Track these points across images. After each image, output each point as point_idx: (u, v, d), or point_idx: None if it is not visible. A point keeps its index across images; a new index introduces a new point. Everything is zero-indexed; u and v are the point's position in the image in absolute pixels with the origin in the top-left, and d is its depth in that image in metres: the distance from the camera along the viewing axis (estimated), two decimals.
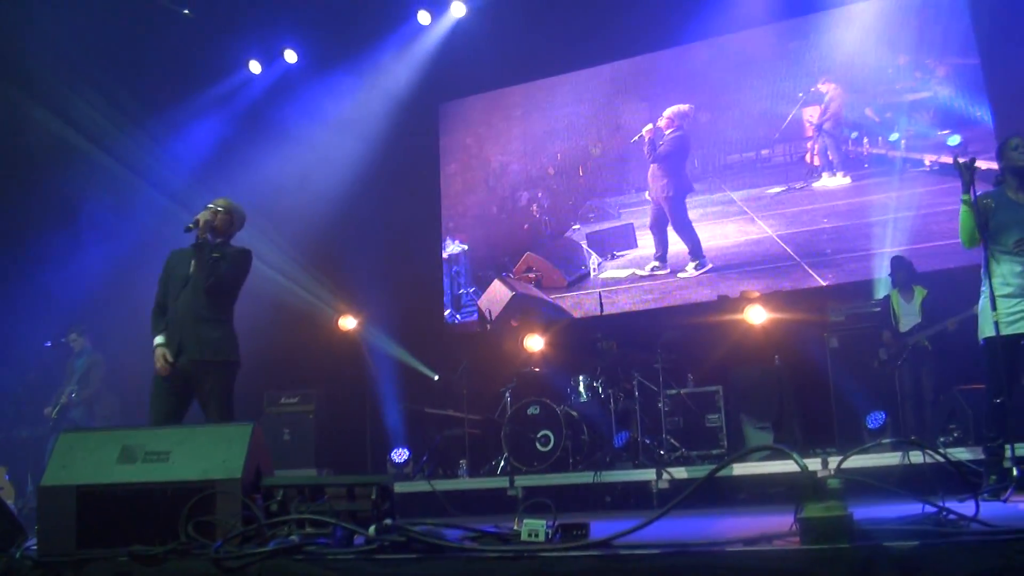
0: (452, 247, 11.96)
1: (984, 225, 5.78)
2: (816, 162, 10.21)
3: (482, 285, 11.60)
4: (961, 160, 5.79)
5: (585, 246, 11.21)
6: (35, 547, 3.86)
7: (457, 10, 11.18)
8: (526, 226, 11.62)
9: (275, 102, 11.94)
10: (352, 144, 11.34)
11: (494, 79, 11.75)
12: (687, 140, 10.96)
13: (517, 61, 11.33)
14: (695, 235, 10.55)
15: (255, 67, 11.89)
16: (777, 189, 10.33)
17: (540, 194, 11.61)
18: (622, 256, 10.95)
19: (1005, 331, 5.65)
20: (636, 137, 11.01)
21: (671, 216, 10.79)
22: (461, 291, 11.73)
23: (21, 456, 10.36)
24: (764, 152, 10.53)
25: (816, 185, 10.11)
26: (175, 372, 5.91)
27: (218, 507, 3.64)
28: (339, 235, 11.25)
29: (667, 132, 11.01)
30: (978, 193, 5.80)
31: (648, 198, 10.99)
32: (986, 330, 5.78)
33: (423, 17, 11.29)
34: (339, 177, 11.11)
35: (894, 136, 9.70)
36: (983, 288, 5.83)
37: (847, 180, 9.96)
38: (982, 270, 5.84)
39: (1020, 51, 8.82)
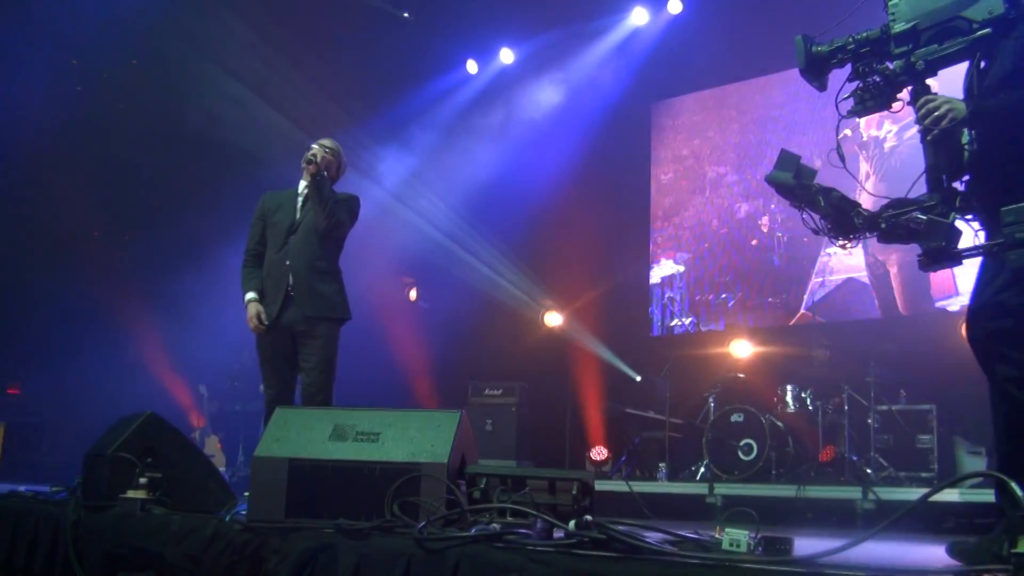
0: (665, 267, 11.44)
1: None
2: None
3: (700, 314, 11.04)
4: None
5: None
6: (244, 512, 4.05)
7: (674, 7, 11.05)
8: (754, 241, 10.89)
9: (488, 101, 12.14)
10: (562, 143, 11.39)
11: (707, 78, 11.49)
12: None
13: (731, 58, 11.02)
14: None
15: (472, 67, 12.10)
16: None
17: (773, 205, 10.65)
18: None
19: None
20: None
21: None
22: (675, 322, 11.26)
23: (234, 428, 10.95)
24: None
25: None
26: (279, 330, 5.67)
27: (423, 489, 3.72)
28: (548, 233, 11.32)
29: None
30: None
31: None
32: None
33: (638, 15, 11.24)
34: (549, 175, 11.18)
35: None
36: None
37: None
38: None
39: None
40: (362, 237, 6.39)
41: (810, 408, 8.71)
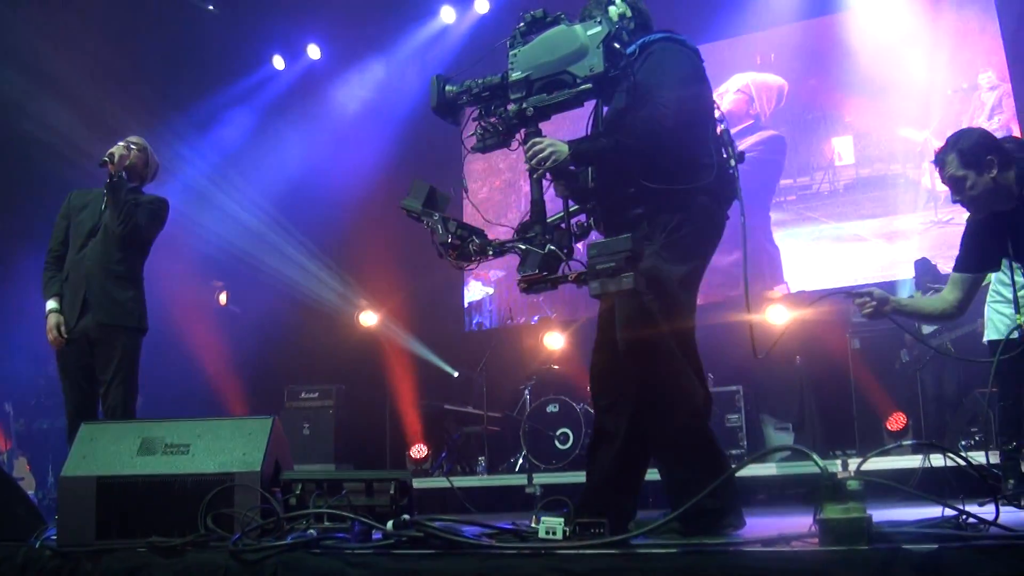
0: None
1: None
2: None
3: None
4: None
5: None
6: (55, 537, 3.88)
7: (481, 7, 11.11)
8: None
9: (297, 98, 11.94)
10: (373, 141, 11.32)
11: None
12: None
13: None
14: None
15: (279, 62, 11.90)
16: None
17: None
18: None
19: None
20: None
21: None
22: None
23: (41, 447, 10.44)
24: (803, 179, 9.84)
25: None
26: (77, 338, 5.45)
27: (237, 500, 3.65)
28: (360, 232, 11.20)
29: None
30: None
31: None
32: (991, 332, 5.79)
33: (446, 13, 11.24)
34: (361, 174, 11.08)
35: None
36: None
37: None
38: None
39: None
40: (167, 240, 6.18)
41: None
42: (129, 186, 5.59)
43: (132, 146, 5.64)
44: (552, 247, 3.58)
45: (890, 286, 9.05)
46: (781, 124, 10.03)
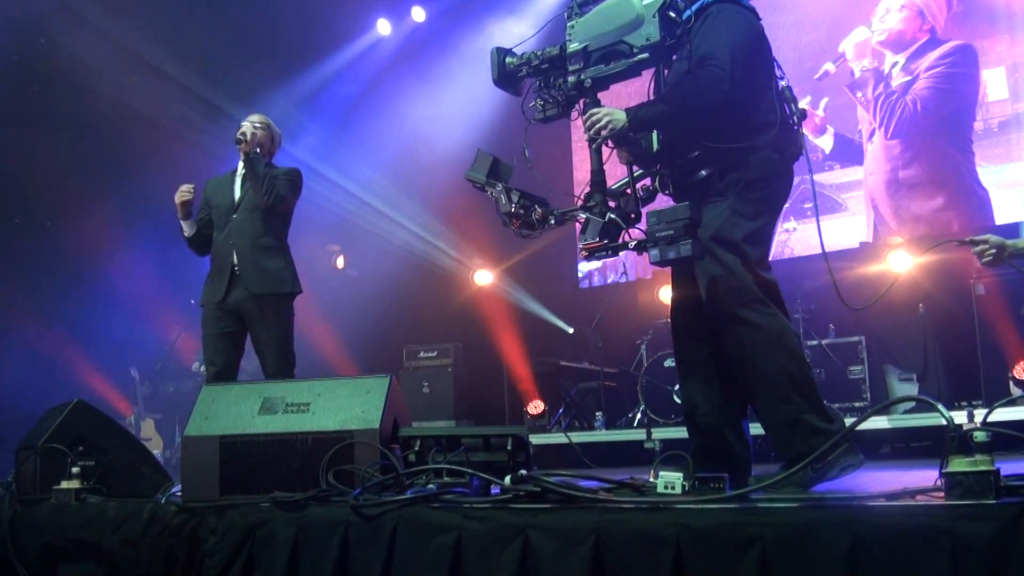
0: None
1: None
2: None
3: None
4: None
5: None
6: (179, 493, 4.02)
7: None
8: None
9: (405, 61, 11.98)
10: (484, 99, 11.30)
11: None
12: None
13: None
14: None
15: (384, 27, 11.95)
16: None
17: None
18: None
19: None
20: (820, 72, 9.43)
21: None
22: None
23: (168, 409, 10.81)
24: None
25: None
26: (226, 310, 5.67)
27: (357, 456, 3.73)
28: (473, 190, 11.17)
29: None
30: None
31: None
32: None
33: None
34: (472, 133, 11.08)
35: None
36: None
37: None
38: None
39: None
40: None
41: None
42: (264, 160, 5.83)
43: (257, 124, 5.85)
44: (612, 215, 3.64)
45: (1014, 228, 8.70)
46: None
